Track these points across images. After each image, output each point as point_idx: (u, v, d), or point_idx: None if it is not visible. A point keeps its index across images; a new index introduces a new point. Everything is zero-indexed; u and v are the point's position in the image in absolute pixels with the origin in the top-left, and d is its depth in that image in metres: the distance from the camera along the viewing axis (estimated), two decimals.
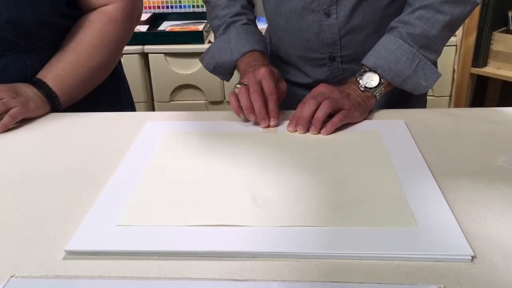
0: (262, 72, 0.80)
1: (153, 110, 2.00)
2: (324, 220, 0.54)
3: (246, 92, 0.77)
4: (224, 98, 1.96)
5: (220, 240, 0.51)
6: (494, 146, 0.70)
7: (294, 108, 0.80)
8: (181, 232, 0.52)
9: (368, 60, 0.82)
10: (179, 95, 2.00)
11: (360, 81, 0.81)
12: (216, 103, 1.99)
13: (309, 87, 0.93)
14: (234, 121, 0.80)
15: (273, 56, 1.02)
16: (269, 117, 0.77)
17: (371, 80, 0.81)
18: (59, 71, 0.90)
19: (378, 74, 0.80)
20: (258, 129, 0.77)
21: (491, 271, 0.47)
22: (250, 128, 0.78)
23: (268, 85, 0.78)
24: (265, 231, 0.52)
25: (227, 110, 0.82)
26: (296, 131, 0.75)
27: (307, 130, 0.75)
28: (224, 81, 1.95)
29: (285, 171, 0.64)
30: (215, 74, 0.96)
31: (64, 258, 0.50)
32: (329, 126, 0.74)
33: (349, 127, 0.77)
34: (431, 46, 0.81)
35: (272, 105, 0.77)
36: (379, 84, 0.80)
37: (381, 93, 0.81)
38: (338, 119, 0.75)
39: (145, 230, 0.53)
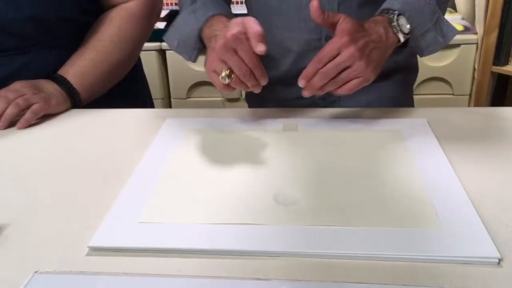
0: (232, 38, 0.65)
1: (170, 107, 2.01)
2: (346, 220, 0.53)
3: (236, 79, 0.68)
4: (241, 95, 1.96)
5: (243, 238, 0.51)
6: None
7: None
8: (203, 230, 0.52)
9: (393, 4, 0.74)
10: (196, 92, 2.00)
11: (398, 22, 0.72)
12: (233, 100, 1.98)
13: (280, 79, 0.89)
14: (254, 118, 0.80)
15: None
16: (257, 80, 0.68)
17: (404, 25, 0.73)
18: (80, 68, 0.91)
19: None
20: (279, 126, 0.77)
21: None
22: (269, 125, 0.77)
23: (245, 53, 0.65)
24: (287, 230, 0.52)
25: (244, 107, 0.80)
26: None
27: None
28: None
29: (306, 170, 0.63)
30: (179, 53, 0.83)
31: (88, 254, 0.50)
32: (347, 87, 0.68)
33: (371, 125, 0.76)
34: (442, 9, 0.78)
35: (257, 72, 0.67)
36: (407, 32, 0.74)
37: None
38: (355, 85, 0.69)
39: (167, 228, 0.53)
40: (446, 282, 0.45)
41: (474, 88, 1.90)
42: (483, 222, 0.52)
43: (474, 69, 1.89)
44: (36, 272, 0.48)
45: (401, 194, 0.57)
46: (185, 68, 1.93)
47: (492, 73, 1.84)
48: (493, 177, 0.61)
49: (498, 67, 1.82)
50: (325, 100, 0.91)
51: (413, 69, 0.99)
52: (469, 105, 1.91)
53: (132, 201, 0.58)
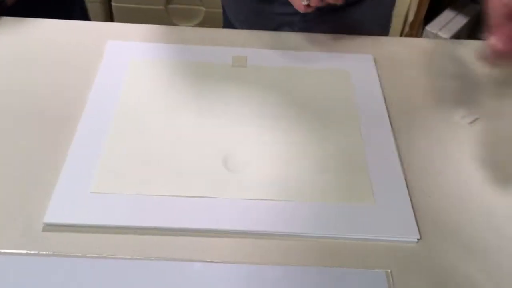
0: None
1: None
2: (286, 193, 0.56)
3: None
4: None
5: (194, 214, 0.54)
6: (457, 95, 0.71)
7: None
8: (158, 204, 0.54)
9: None
10: None
11: None
12: None
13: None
14: (204, 45, 0.77)
15: None
16: None
17: None
18: None
19: None
20: (228, 60, 0.75)
21: (435, 253, 0.52)
22: (219, 57, 0.75)
23: None
24: (233, 204, 0.55)
25: None
26: None
27: None
28: None
29: (253, 124, 0.65)
30: None
31: (44, 230, 0.52)
32: None
33: (319, 61, 0.75)
34: None
35: None
36: None
37: None
38: None
39: (121, 200, 0.55)
40: (370, 262, 0.51)
41: None
42: (410, 196, 0.57)
43: None
44: None
45: (342, 163, 0.60)
46: None
47: None
48: (426, 135, 0.65)
49: None
50: (304, 23, 0.87)
51: None
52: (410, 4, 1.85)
53: (82, 166, 0.58)
